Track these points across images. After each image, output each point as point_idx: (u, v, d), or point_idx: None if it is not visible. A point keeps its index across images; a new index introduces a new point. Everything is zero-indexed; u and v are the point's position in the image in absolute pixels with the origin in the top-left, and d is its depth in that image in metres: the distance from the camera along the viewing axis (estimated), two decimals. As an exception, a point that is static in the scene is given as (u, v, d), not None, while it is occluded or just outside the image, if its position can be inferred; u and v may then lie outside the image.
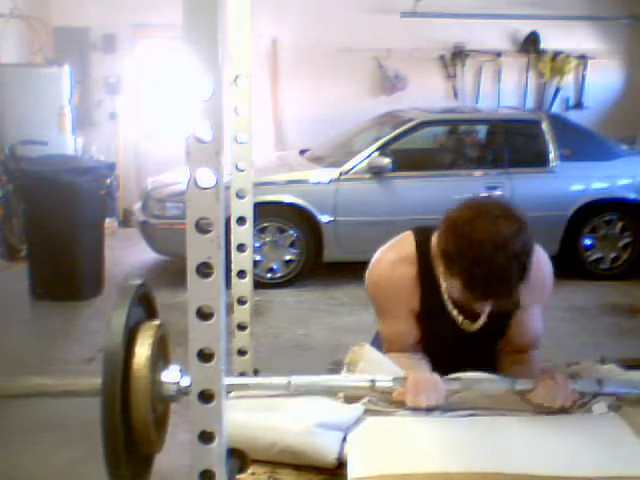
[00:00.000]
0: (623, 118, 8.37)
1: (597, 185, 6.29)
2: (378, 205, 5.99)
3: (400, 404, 1.70)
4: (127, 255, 6.77)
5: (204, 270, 1.00)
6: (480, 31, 8.43)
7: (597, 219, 6.27)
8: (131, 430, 1.26)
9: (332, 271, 6.16)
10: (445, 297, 1.88)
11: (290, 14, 8.07)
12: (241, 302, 1.89)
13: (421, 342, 1.97)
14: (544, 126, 6.24)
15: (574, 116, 7.94)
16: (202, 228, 0.99)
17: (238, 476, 1.36)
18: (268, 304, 5.52)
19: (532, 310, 1.95)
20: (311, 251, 5.98)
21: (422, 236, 1.92)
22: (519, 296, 1.74)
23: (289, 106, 8.40)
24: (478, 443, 1.59)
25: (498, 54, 8.59)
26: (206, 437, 1.05)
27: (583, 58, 8.65)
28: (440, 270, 1.79)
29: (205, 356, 1.03)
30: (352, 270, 5.17)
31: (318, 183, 6.00)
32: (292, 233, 5.95)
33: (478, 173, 6.24)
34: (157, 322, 1.35)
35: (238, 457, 1.28)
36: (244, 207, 1.84)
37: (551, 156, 6.18)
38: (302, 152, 6.92)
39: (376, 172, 5.95)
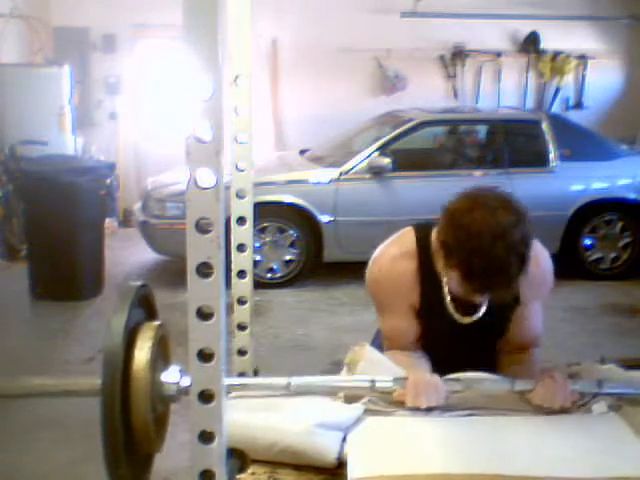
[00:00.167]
0: (623, 118, 8.37)
1: (597, 185, 6.29)
2: (378, 205, 5.99)
3: (400, 405, 1.70)
4: (127, 255, 6.77)
5: (204, 270, 1.00)
6: (480, 31, 8.43)
7: (597, 219, 6.27)
8: (131, 430, 1.26)
9: (332, 271, 6.16)
10: (445, 292, 1.88)
11: (290, 14, 8.07)
12: (241, 302, 1.89)
13: (421, 339, 1.97)
14: (544, 126, 6.24)
15: (574, 116, 7.94)
16: (202, 228, 0.99)
17: (238, 476, 1.36)
18: (268, 304, 5.52)
19: (532, 307, 1.95)
20: (311, 251, 5.98)
21: (422, 231, 1.92)
22: (518, 288, 1.74)
23: (289, 106, 8.40)
24: (478, 443, 1.59)
25: (498, 54, 8.59)
26: (206, 437, 1.05)
27: (583, 58, 8.65)
28: (440, 264, 1.79)
29: (205, 356, 1.03)
30: (352, 270, 5.17)
31: (318, 183, 6.01)
32: (292, 233, 5.95)
33: (478, 173, 6.24)
34: (157, 323, 1.36)
35: (238, 457, 1.28)
36: (244, 207, 1.84)
37: (551, 156, 6.18)
38: (302, 152, 6.92)
39: (376, 172, 5.95)
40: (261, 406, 1.68)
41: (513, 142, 6.45)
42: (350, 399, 1.73)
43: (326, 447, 1.58)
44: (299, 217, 5.92)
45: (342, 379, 1.81)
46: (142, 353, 1.27)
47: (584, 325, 5.23)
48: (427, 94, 8.25)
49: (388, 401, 1.72)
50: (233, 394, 1.73)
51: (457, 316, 1.89)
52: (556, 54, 8.60)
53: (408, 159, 6.12)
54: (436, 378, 1.71)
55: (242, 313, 1.90)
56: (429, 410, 1.69)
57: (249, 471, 1.52)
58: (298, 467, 1.58)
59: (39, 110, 6.82)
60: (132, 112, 8.29)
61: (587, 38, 8.62)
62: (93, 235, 5.64)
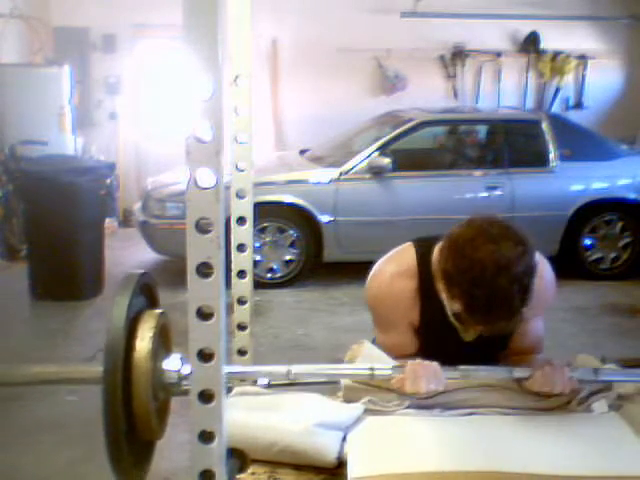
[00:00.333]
0: (623, 118, 8.37)
1: (597, 185, 6.29)
2: (378, 205, 5.99)
3: (400, 391, 1.68)
4: (127, 255, 6.77)
5: (204, 270, 1.00)
6: (480, 31, 8.43)
7: (597, 219, 6.27)
8: (132, 417, 1.27)
9: (332, 271, 6.16)
10: (447, 310, 1.85)
11: (290, 14, 8.07)
12: (241, 302, 1.89)
13: (420, 354, 1.95)
14: (544, 126, 6.24)
15: (574, 116, 7.94)
16: (202, 228, 0.99)
17: (238, 476, 1.36)
18: (268, 304, 5.52)
19: (534, 321, 1.92)
20: (311, 251, 5.98)
21: (423, 248, 1.88)
22: (520, 320, 1.71)
23: (289, 106, 8.40)
24: (478, 442, 1.59)
25: (498, 54, 8.59)
26: (206, 437, 1.05)
27: (583, 58, 8.65)
28: (440, 289, 1.77)
29: (205, 356, 1.03)
30: (352, 270, 5.18)
31: (318, 183, 6.01)
32: (292, 233, 5.95)
33: (478, 173, 6.24)
34: (159, 311, 1.36)
35: (238, 457, 1.28)
36: (244, 207, 1.84)
37: (551, 156, 6.18)
38: (302, 152, 6.92)
39: (376, 172, 5.95)
40: (261, 406, 1.68)
41: (513, 142, 6.45)
42: (350, 399, 1.73)
43: (326, 447, 1.58)
44: (299, 217, 5.92)
45: (341, 367, 1.81)
46: (144, 341, 1.27)
47: (584, 325, 5.23)
48: (427, 94, 8.25)
49: (388, 400, 1.72)
50: (233, 392, 1.73)
51: (461, 333, 1.86)
52: (556, 54, 8.60)
53: (408, 159, 6.12)
54: (435, 364, 1.70)
55: (242, 313, 1.90)
56: (429, 406, 1.69)
57: (249, 471, 1.52)
58: (298, 467, 1.58)
59: (39, 110, 6.82)
60: (132, 112, 8.29)
61: (587, 38, 8.62)
62: (93, 235, 5.64)
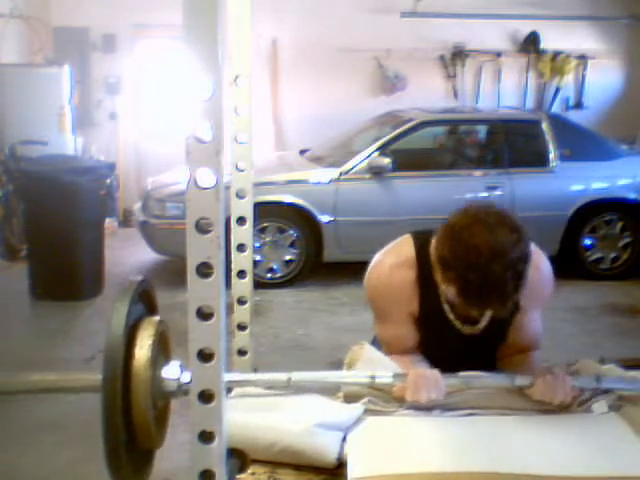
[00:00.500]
0: (623, 118, 8.37)
1: (597, 185, 6.29)
2: (378, 205, 5.99)
3: (400, 400, 1.70)
4: (127, 255, 6.77)
5: (204, 270, 1.00)
6: (480, 31, 8.43)
7: (597, 219, 6.27)
8: (132, 426, 1.26)
9: (332, 271, 6.16)
10: (443, 301, 1.87)
11: (290, 14, 8.07)
12: (241, 302, 1.89)
13: (420, 346, 1.96)
14: (544, 126, 6.24)
15: (574, 116, 7.94)
16: (202, 228, 0.99)
17: (238, 476, 1.36)
18: (268, 304, 5.52)
19: (532, 313, 1.94)
20: (311, 251, 5.98)
21: (421, 240, 1.90)
22: (513, 305, 1.73)
23: (289, 106, 8.40)
24: (478, 443, 1.59)
25: (498, 54, 8.59)
26: (206, 437, 1.05)
27: (583, 58, 8.65)
28: (438, 275, 1.78)
29: (205, 356, 1.03)
30: (352, 270, 5.17)
31: (318, 183, 6.00)
32: (292, 233, 5.95)
33: (478, 173, 6.24)
34: (158, 318, 1.36)
35: (238, 457, 1.28)
36: (244, 207, 1.84)
37: (551, 156, 6.18)
38: (302, 152, 6.92)
39: (376, 172, 5.95)
40: (261, 406, 1.68)
41: (513, 142, 6.45)
42: (350, 399, 1.73)
43: (326, 447, 1.58)
44: (299, 217, 5.92)
45: (342, 374, 1.81)
46: (142, 349, 1.27)
47: (584, 325, 5.22)
48: (427, 94, 8.25)
49: (388, 400, 1.72)
50: (233, 393, 1.73)
51: (459, 325, 1.89)
52: (556, 54, 8.60)
53: (408, 159, 6.12)
54: (436, 372, 1.71)
55: (242, 313, 1.90)
56: (429, 410, 1.69)
57: (249, 471, 1.52)
58: (298, 467, 1.58)
59: (39, 110, 6.82)
60: (132, 112, 8.29)
61: (587, 38, 8.62)
62: (93, 235, 5.64)
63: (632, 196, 6.26)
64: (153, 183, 6.38)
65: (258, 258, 5.77)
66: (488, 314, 1.83)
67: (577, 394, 1.72)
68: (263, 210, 5.38)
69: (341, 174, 5.97)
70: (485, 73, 8.68)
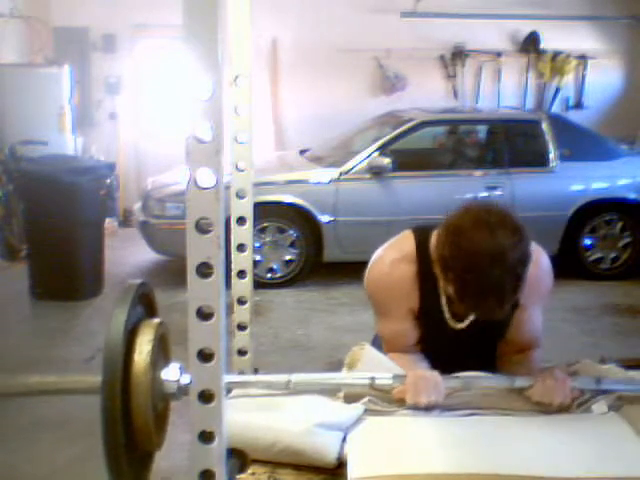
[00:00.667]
0: (623, 118, 8.37)
1: (597, 185, 6.29)
2: (378, 205, 5.99)
3: (400, 402, 1.70)
4: (127, 255, 6.77)
5: (204, 270, 1.00)
6: (480, 31, 8.43)
7: (597, 219, 6.27)
8: (131, 428, 1.26)
9: (332, 271, 6.16)
10: (442, 297, 1.87)
11: (290, 14, 8.07)
12: (241, 302, 1.89)
13: (420, 342, 1.96)
14: (544, 126, 6.24)
15: (574, 116, 7.94)
16: (202, 228, 0.99)
17: (238, 476, 1.36)
18: (268, 304, 5.52)
19: (531, 310, 1.94)
20: (311, 251, 5.98)
21: (422, 235, 1.90)
22: (511, 307, 1.73)
23: (289, 106, 8.40)
24: (478, 443, 1.59)
25: (498, 54, 8.59)
26: (206, 437, 1.05)
27: (583, 58, 8.65)
28: (438, 272, 1.78)
29: (205, 356, 1.03)
30: (352, 270, 5.16)
31: (318, 183, 6.00)
32: (292, 233, 5.95)
33: (478, 173, 6.24)
34: (157, 320, 1.36)
35: (238, 457, 1.28)
36: (244, 207, 1.84)
37: (551, 156, 6.18)
38: (302, 152, 6.92)
39: (376, 172, 5.95)
40: (261, 406, 1.68)
41: (513, 142, 6.45)
42: (350, 399, 1.73)
43: (326, 447, 1.58)
44: (299, 217, 5.92)
45: (342, 376, 1.81)
46: (142, 351, 1.27)
47: (584, 325, 5.22)
48: (427, 94, 8.25)
49: (388, 400, 1.72)
50: (233, 393, 1.73)
51: (451, 321, 1.89)
52: (556, 54, 8.59)
53: (408, 159, 6.12)
54: (436, 375, 1.71)
55: (242, 313, 1.90)
56: (429, 410, 1.69)
57: (249, 471, 1.52)
58: (298, 467, 1.58)
59: (39, 110, 6.82)
60: (132, 112, 8.29)
61: (587, 38, 8.62)
62: (93, 235, 5.64)
63: (632, 196, 6.26)
64: (153, 183, 6.38)
65: (258, 258, 5.77)
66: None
67: (577, 395, 1.72)
68: (263, 210, 5.38)
69: (341, 174, 5.97)
70: (485, 73, 8.68)
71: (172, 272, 5.98)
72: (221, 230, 0.99)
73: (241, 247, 1.85)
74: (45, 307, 5.35)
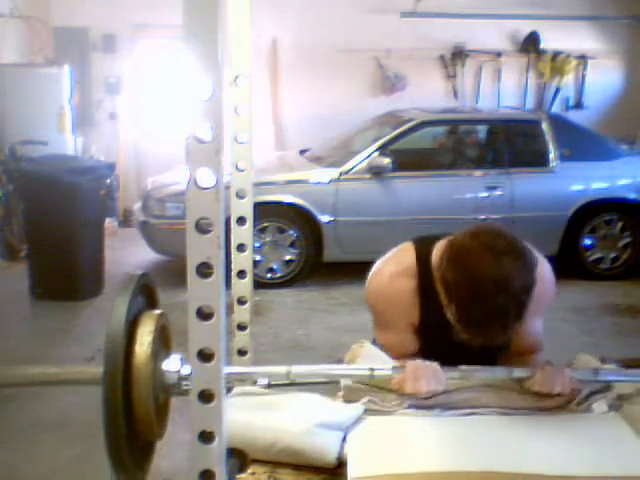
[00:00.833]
0: (623, 118, 8.37)
1: (597, 185, 6.29)
2: (378, 205, 5.99)
3: (400, 395, 1.69)
4: (127, 255, 6.77)
5: (204, 270, 1.00)
6: (480, 31, 8.43)
7: (597, 219, 6.27)
8: (133, 418, 1.27)
9: (332, 271, 6.16)
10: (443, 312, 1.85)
11: (290, 14, 8.07)
12: (241, 302, 1.89)
13: (420, 354, 1.95)
14: (544, 126, 6.24)
15: (574, 116, 7.94)
16: (202, 228, 0.99)
17: (238, 476, 1.36)
18: (268, 304, 5.52)
19: (534, 321, 1.91)
20: (311, 251, 5.98)
21: (423, 248, 1.88)
22: (512, 334, 1.70)
23: (289, 106, 8.40)
24: (478, 443, 1.59)
25: (498, 54, 8.59)
26: (206, 437, 1.05)
27: (583, 58, 8.65)
28: (439, 290, 1.76)
29: (205, 356, 1.03)
30: (352, 270, 5.18)
31: (318, 183, 6.00)
32: (292, 233, 5.95)
33: (478, 173, 6.24)
34: (158, 311, 1.36)
35: (238, 457, 1.28)
36: (244, 207, 1.84)
37: (551, 156, 6.18)
38: (302, 152, 6.92)
39: (376, 172, 5.95)
40: (261, 406, 1.68)
41: (513, 142, 6.45)
42: (350, 399, 1.73)
43: (326, 447, 1.57)
44: (299, 217, 5.92)
45: (341, 367, 1.80)
46: (143, 342, 1.27)
47: (584, 325, 5.22)
48: (427, 94, 8.25)
49: (388, 400, 1.71)
50: (233, 392, 1.73)
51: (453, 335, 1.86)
52: (556, 54, 8.60)
53: (408, 159, 6.12)
54: (434, 364, 1.70)
55: (242, 313, 1.90)
56: (429, 406, 1.69)
57: (249, 471, 1.52)
58: (298, 467, 1.58)
59: (39, 110, 6.82)
60: (132, 112, 8.29)
61: (587, 38, 8.62)
62: (93, 235, 5.64)
63: (632, 196, 6.26)
64: (153, 183, 6.38)
65: (258, 258, 5.77)
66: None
67: (576, 386, 1.71)
68: (263, 210, 5.38)
69: (341, 174, 5.97)
70: (485, 73, 8.68)
71: (172, 272, 5.97)
72: (221, 230, 0.99)
73: (241, 247, 1.85)
74: (45, 307, 5.35)
